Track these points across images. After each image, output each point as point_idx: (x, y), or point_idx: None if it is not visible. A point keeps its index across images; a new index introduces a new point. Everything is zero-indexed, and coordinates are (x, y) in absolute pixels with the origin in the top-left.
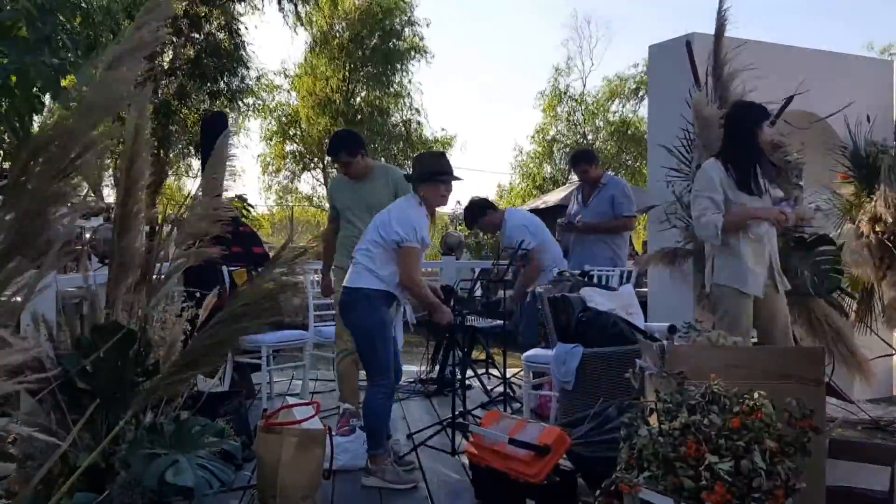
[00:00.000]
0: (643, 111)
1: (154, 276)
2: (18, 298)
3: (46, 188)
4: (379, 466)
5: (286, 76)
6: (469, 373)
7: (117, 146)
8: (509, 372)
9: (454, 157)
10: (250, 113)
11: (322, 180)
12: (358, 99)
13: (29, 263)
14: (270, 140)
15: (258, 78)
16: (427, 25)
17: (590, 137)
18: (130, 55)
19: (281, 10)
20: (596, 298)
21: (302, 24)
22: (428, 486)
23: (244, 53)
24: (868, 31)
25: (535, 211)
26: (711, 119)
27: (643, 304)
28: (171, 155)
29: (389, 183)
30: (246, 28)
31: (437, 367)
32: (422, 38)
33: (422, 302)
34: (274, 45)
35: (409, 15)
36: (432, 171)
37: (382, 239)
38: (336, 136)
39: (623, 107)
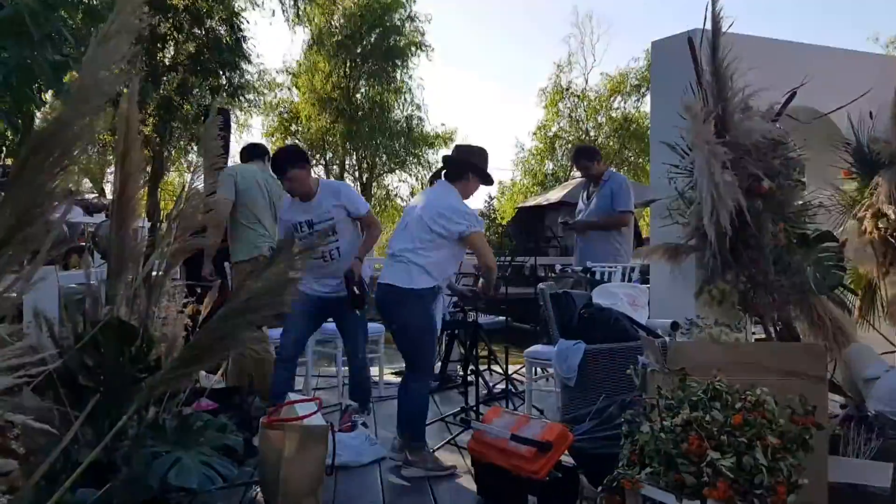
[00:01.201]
0: (645, 107)
1: (154, 272)
2: (14, 294)
3: (42, 179)
4: (418, 457)
5: (288, 72)
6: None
7: (112, 139)
8: (511, 368)
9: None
10: (252, 109)
11: (324, 177)
12: (359, 95)
13: (23, 256)
14: (272, 137)
15: (259, 74)
16: (428, 21)
17: (592, 134)
18: (117, 36)
19: (282, 5)
20: (602, 293)
21: (301, 22)
22: (430, 482)
23: (245, 48)
24: (873, 23)
25: (537, 208)
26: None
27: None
28: (172, 151)
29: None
30: (247, 22)
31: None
32: (423, 34)
33: (490, 279)
34: (275, 43)
35: (409, 11)
36: (484, 161)
37: (437, 234)
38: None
39: (625, 103)
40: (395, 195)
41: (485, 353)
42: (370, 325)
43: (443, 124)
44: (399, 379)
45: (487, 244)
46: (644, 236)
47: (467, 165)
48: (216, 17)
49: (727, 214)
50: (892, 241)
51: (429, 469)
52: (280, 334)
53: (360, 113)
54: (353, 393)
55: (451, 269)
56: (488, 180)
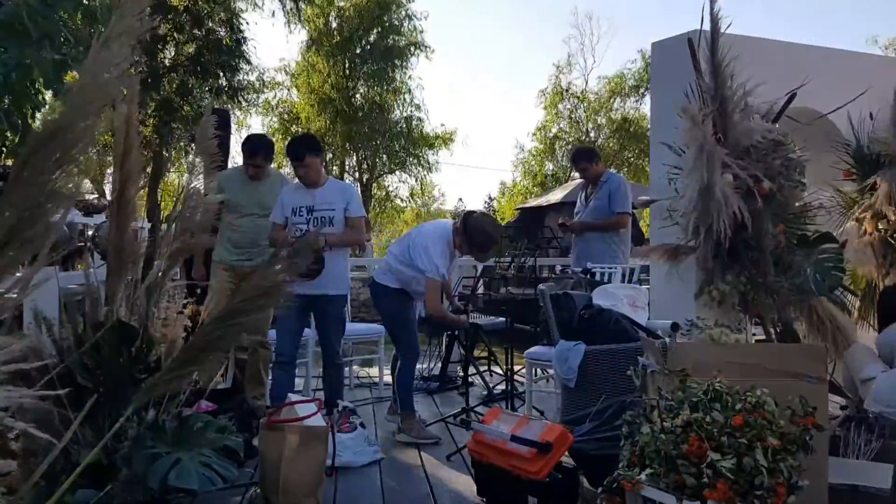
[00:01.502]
0: (645, 108)
1: (154, 273)
2: (15, 295)
3: (43, 181)
4: (408, 424)
5: (286, 73)
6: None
7: (112, 140)
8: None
9: (455, 154)
10: (251, 109)
11: None
12: (358, 96)
13: (24, 257)
14: (272, 137)
15: (259, 75)
16: (425, 18)
17: (592, 135)
18: (118, 40)
19: (282, 5)
20: (602, 294)
21: (300, 22)
22: (430, 482)
23: (245, 48)
24: (872, 25)
25: (537, 208)
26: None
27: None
28: (172, 152)
29: (277, 185)
30: (247, 23)
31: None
32: (421, 32)
33: (443, 322)
34: (273, 43)
35: (406, 9)
36: (486, 246)
37: (411, 259)
38: (267, 141)
39: (625, 104)
40: (395, 196)
41: (485, 354)
42: (370, 326)
43: (442, 125)
44: None
45: (436, 293)
46: (646, 237)
47: (465, 232)
48: (216, 18)
49: (728, 216)
50: (892, 242)
51: (415, 437)
52: (275, 336)
53: (359, 113)
54: (328, 393)
55: (417, 287)
56: (467, 252)
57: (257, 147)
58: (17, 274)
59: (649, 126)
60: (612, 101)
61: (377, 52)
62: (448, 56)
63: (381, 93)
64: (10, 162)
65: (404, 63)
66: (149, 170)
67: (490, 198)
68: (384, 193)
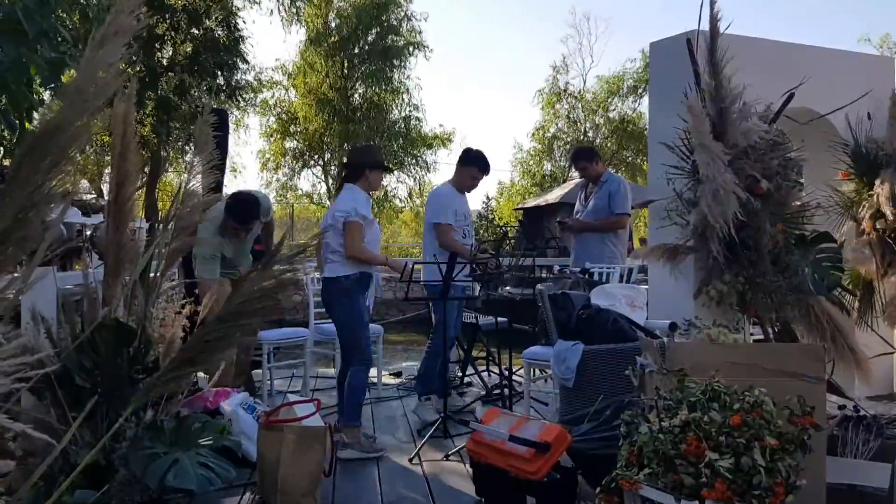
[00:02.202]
0: (643, 108)
1: (152, 274)
2: (11, 294)
3: (39, 180)
4: (354, 438)
5: (284, 72)
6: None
7: (111, 140)
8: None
9: (454, 153)
10: (249, 108)
11: (322, 177)
12: (356, 95)
13: (20, 256)
14: (270, 137)
15: (256, 74)
16: (425, 20)
17: (590, 135)
18: (112, 40)
19: (279, 4)
20: (601, 294)
21: (299, 20)
22: (428, 483)
23: (243, 48)
24: (865, 24)
25: (536, 208)
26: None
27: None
28: (170, 151)
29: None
30: (244, 21)
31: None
32: (420, 33)
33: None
34: (272, 42)
35: (405, 9)
36: (379, 163)
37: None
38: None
39: (623, 104)
40: (394, 196)
41: (483, 354)
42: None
43: (441, 125)
44: (397, 380)
45: (356, 237)
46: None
47: (362, 165)
48: (213, 17)
49: (731, 210)
50: (890, 241)
51: (364, 451)
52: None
53: (357, 113)
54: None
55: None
56: (385, 169)
57: (252, 216)
58: (15, 273)
59: (647, 126)
60: (608, 100)
61: (375, 52)
62: (447, 56)
63: (380, 93)
64: (7, 162)
65: (403, 63)
66: (146, 169)
67: (488, 197)
68: (382, 194)
